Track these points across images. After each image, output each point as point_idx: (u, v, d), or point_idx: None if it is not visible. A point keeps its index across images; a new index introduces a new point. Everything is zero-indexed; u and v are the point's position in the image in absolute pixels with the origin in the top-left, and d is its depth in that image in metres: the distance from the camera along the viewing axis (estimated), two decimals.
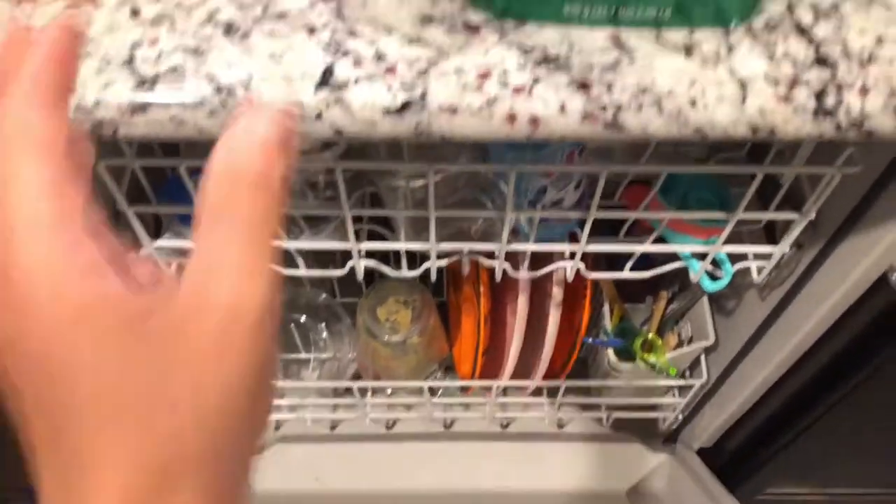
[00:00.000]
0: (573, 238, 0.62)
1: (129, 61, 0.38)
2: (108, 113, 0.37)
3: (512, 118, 0.37)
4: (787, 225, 0.59)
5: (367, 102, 0.37)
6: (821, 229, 0.61)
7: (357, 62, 0.38)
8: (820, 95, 0.37)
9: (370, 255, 0.60)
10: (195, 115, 0.37)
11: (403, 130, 0.38)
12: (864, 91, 0.37)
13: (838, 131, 0.38)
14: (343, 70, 0.37)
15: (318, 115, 0.37)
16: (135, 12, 0.39)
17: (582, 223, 0.59)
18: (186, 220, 0.61)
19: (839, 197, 0.55)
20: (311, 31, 0.39)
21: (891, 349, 0.66)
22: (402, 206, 0.59)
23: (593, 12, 0.38)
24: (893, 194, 0.52)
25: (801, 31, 0.39)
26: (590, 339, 0.83)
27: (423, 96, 0.37)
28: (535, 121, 0.37)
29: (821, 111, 0.37)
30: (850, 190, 0.56)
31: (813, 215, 0.57)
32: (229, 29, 0.39)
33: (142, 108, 0.37)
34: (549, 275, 0.68)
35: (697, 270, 0.63)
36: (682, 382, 0.87)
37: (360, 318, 0.85)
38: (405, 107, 0.37)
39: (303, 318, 0.90)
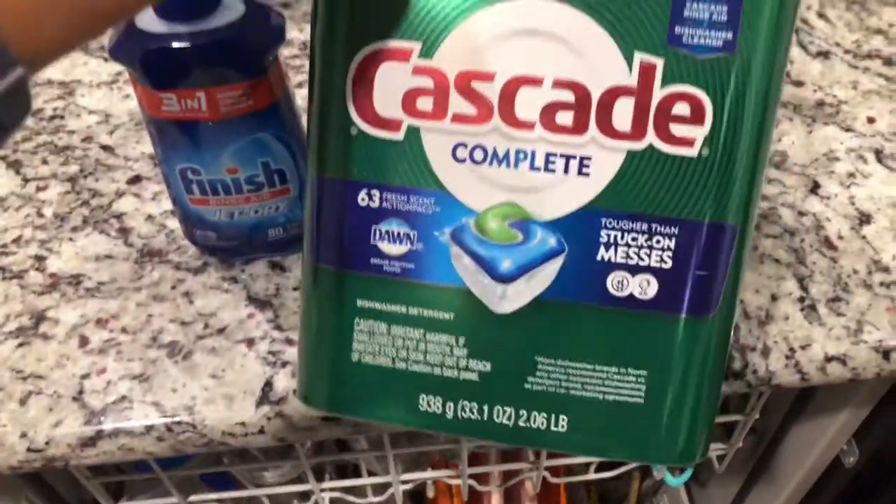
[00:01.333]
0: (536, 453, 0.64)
1: (79, 394, 0.40)
2: (59, 450, 0.38)
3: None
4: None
5: (307, 413, 0.39)
6: (770, 420, 0.63)
7: (295, 373, 0.40)
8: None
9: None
10: (143, 442, 0.39)
11: (341, 433, 0.40)
12: (766, 352, 0.40)
13: (750, 388, 0.40)
14: (282, 382, 0.40)
15: (261, 430, 0.39)
16: (84, 342, 0.42)
17: None
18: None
19: (783, 391, 0.58)
20: (251, 343, 0.41)
21: None
22: (361, 447, 0.61)
23: (455, 413, 0.31)
24: (828, 387, 0.54)
25: None
26: None
27: None
28: None
29: (730, 375, 0.40)
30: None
31: (757, 415, 0.59)
32: (173, 350, 0.41)
33: (91, 441, 0.39)
34: (521, 482, 0.69)
35: (658, 469, 0.64)
36: None
37: None
38: None
39: None
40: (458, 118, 0.28)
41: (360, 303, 0.30)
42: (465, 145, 0.28)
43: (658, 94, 0.27)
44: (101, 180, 0.50)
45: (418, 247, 0.29)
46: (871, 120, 0.52)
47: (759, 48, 0.26)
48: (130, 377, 0.40)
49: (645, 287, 0.29)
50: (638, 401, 0.29)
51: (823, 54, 0.57)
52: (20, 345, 0.42)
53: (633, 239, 0.28)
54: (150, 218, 0.47)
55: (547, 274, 0.29)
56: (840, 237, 0.45)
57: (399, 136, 0.28)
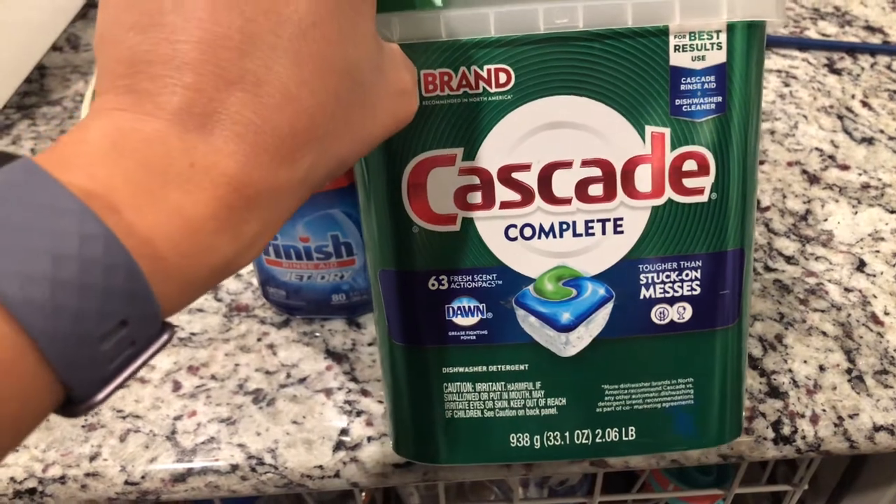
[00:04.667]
0: None
1: (172, 434, 0.43)
2: (153, 485, 0.42)
3: (507, 463, 0.42)
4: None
5: (379, 460, 0.42)
6: (820, 492, 0.64)
7: (369, 422, 0.43)
8: (776, 425, 0.42)
9: None
10: (228, 481, 0.42)
11: (412, 480, 0.43)
12: (815, 419, 0.42)
13: (800, 453, 0.42)
14: (357, 430, 0.43)
15: (337, 474, 0.42)
16: (177, 386, 0.46)
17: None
18: None
19: (831, 463, 0.59)
20: (328, 393, 0.45)
21: None
22: (414, 503, 0.63)
23: (542, 443, 0.36)
24: (877, 459, 0.55)
25: (753, 363, 0.45)
26: None
27: None
28: (527, 463, 0.42)
29: (780, 439, 0.42)
30: (842, 458, 0.59)
31: (806, 486, 0.60)
32: (257, 397, 0.45)
33: (182, 477, 0.42)
34: None
35: None
36: None
37: None
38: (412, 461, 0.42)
39: None
40: (505, 205, 0.32)
41: (444, 370, 0.35)
42: (515, 226, 0.32)
43: (669, 157, 0.31)
44: None
45: (488, 316, 0.34)
46: None
47: (742, 104, 0.31)
48: (218, 420, 0.44)
49: (682, 313, 0.34)
50: (689, 402, 0.35)
51: (868, 140, 0.60)
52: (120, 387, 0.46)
53: (667, 276, 0.33)
54: (238, 276, 0.52)
55: (601, 318, 0.34)
56: (886, 313, 0.47)
57: (456, 227, 0.32)
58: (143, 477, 0.42)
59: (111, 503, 0.42)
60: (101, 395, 0.19)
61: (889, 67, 0.67)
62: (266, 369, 0.46)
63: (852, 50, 0.68)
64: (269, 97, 0.20)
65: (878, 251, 0.51)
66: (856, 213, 0.54)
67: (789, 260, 0.51)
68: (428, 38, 0.30)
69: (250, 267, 0.52)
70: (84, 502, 0.42)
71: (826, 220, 0.54)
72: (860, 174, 0.57)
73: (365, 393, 0.45)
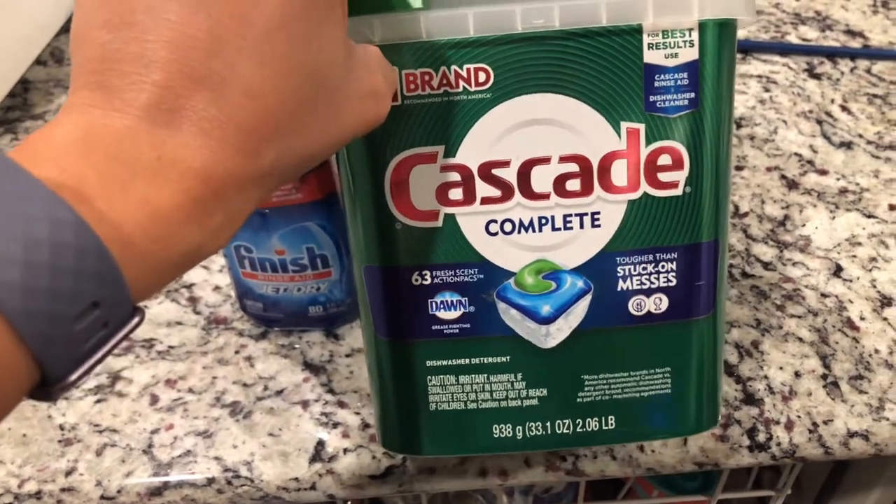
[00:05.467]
0: None
1: (149, 447, 0.43)
2: (129, 499, 0.42)
3: (483, 473, 0.42)
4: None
5: (355, 471, 0.42)
6: (805, 495, 0.64)
7: (345, 434, 0.43)
8: (751, 432, 0.42)
9: None
10: (205, 493, 0.42)
11: (388, 491, 0.43)
12: (790, 425, 0.42)
13: (775, 460, 0.42)
14: (333, 442, 0.43)
15: (313, 486, 0.42)
16: (154, 400, 0.46)
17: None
18: None
19: (815, 469, 0.59)
20: (305, 405, 0.45)
21: None
22: None
23: (524, 434, 0.37)
24: (860, 464, 0.55)
25: (729, 370, 0.45)
26: None
27: (404, 461, 0.42)
28: (503, 473, 0.42)
29: (755, 446, 0.42)
30: (824, 464, 0.59)
31: (789, 490, 0.60)
32: (234, 409, 0.45)
33: (158, 491, 0.42)
34: None
35: None
36: None
37: None
38: (388, 472, 0.42)
39: None
40: (485, 200, 0.33)
41: (429, 363, 0.35)
42: (495, 221, 0.33)
43: (644, 152, 0.32)
44: None
45: (470, 309, 0.35)
46: (892, 207, 0.55)
47: (714, 99, 0.32)
48: (195, 433, 0.44)
49: (658, 304, 0.35)
50: (667, 391, 0.36)
51: (846, 145, 0.60)
52: (98, 401, 0.46)
53: (644, 268, 0.34)
54: (217, 288, 0.52)
55: (580, 310, 0.34)
56: (862, 318, 0.48)
57: (438, 223, 0.33)
58: (118, 491, 0.42)
59: None
60: (74, 376, 0.19)
61: (868, 71, 0.67)
62: (243, 382, 0.46)
63: (832, 54, 0.68)
64: (233, 95, 0.21)
65: (854, 256, 0.52)
66: (833, 217, 0.54)
67: (767, 266, 0.51)
68: (408, 38, 0.30)
69: (227, 279, 0.52)
70: None
71: (804, 225, 0.54)
72: (838, 179, 0.57)
73: (342, 405, 0.45)
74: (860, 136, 0.61)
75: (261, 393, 0.46)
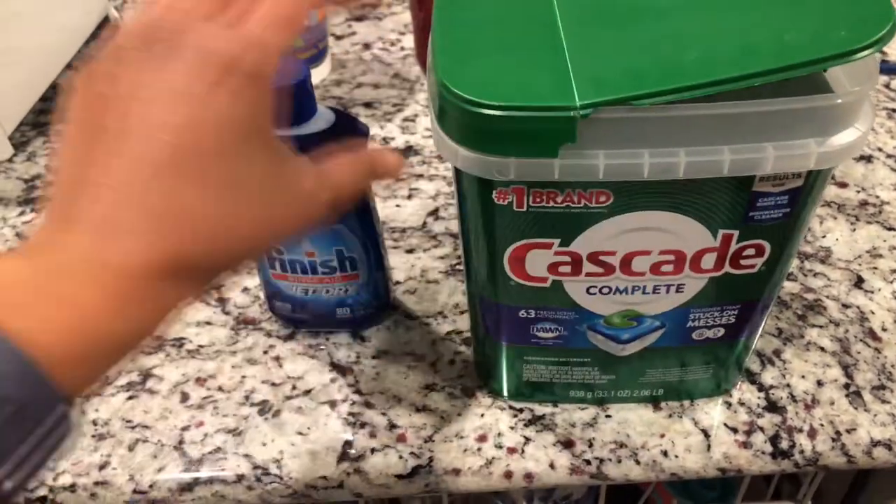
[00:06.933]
0: None
1: (180, 444, 0.44)
2: (161, 493, 0.43)
3: (509, 475, 0.43)
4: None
5: (382, 470, 0.43)
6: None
7: (372, 434, 0.44)
8: (774, 440, 0.43)
9: None
10: (235, 490, 0.43)
11: (415, 490, 0.43)
12: (813, 433, 0.43)
13: (797, 468, 0.43)
14: (361, 441, 0.44)
15: (340, 485, 0.43)
16: (184, 397, 0.46)
17: None
18: None
19: (835, 480, 0.59)
20: (333, 404, 0.46)
21: None
22: None
23: (593, 395, 0.45)
24: (881, 476, 0.56)
25: (752, 378, 0.46)
26: None
27: (431, 461, 0.43)
28: (528, 476, 0.43)
29: (778, 454, 0.42)
30: (845, 475, 0.59)
31: (809, 501, 0.60)
32: (263, 408, 0.46)
33: (189, 487, 0.43)
34: None
35: None
36: None
37: None
38: (415, 472, 0.43)
39: None
40: (590, 274, 0.37)
41: (526, 357, 0.43)
42: (595, 286, 0.38)
43: (734, 247, 0.36)
44: None
45: (565, 333, 0.41)
46: None
47: (807, 211, 0.35)
48: (225, 431, 0.45)
49: (717, 333, 0.41)
50: (707, 376, 0.44)
51: (866, 158, 0.61)
52: (130, 398, 0.47)
53: (710, 315, 0.40)
54: (245, 290, 0.53)
55: (653, 337, 0.41)
56: (884, 329, 0.48)
57: (546, 284, 0.38)
58: (150, 486, 0.43)
59: None
60: (11, 483, 0.21)
61: (887, 86, 0.68)
62: (272, 381, 0.47)
63: None
64: (171, 219, 0.24)
65: (875, 268, 0.52)
66: (854, 229, 0.55)
67: (788, 276, 0.52)
68: (540, 178, 0.32)
69: (256, 281, 0.53)
70: None
71: (825, 236, 0.55)
72: (858, 191, 0.58)
73: (369, 405, 0.45)
74: (880, 149, 0.61)
75: (289, 392, 0.46)
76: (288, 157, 0.28)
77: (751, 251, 0.36)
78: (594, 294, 0.38)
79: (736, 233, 0.35)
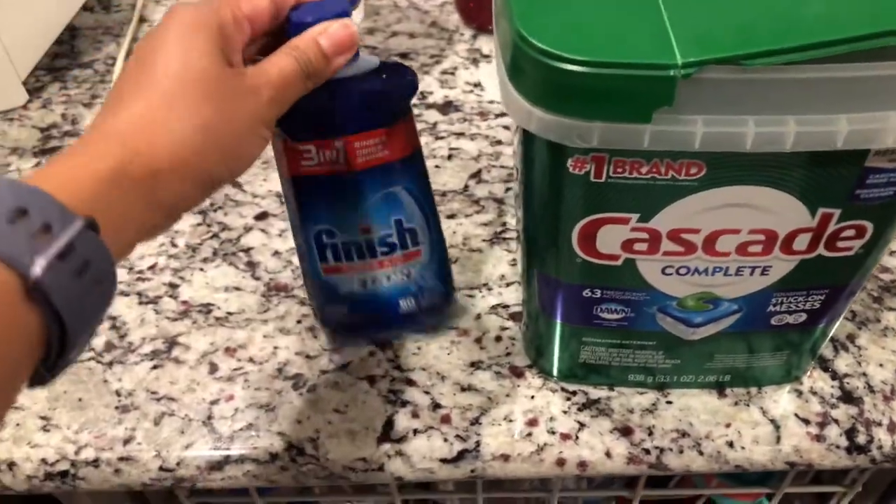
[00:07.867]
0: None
1: (209, 419, 0.41)
2: (189, 472, 0.40)
3: (561, 462, 0.40)
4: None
5: (426, 454, 0.40)
6: (869, 493, 0.61)
7: (415, 413, 0.41)
8: (850, 433, 0.40)
9: None
10: (268, 470, 0.40)
11: (459, 475, 0.40)
12: (893, 427, 0.40)
13: (874, 463, 0.40)
14: (402, 421, 0.41)
15: (381, 467, 0.40)
16: (213, 368, 0.44)
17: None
18: None
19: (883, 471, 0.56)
20: (372, 380, 0.43)
21: None
22: (446, 488, 0.61)
23: (654, 380, 0.42)
24: None
25: (824, 365, 0.42)
26: None
27: (478, 445, 0.40)
28: (582, 464, 0.40)
29: (854, 448, 0.39)
30: None
31: (860, 487, 0.58)
32: (298, 382, 0.43)
33: (219, 465, 0.40)
34: None
35: None
36: None
37: None
38: (461, 456, 0.40)
39: None
40: (668, 253, 0.34)
41: (584, 339, 0.40)
42: (672, 266, 0.35)
43: (832, 227, 0.32)
44: (229, 215, 0.53)
45: (631, 315, 0.38)
46: None
47: None
48: (257, 406, 0.42)
49: (798, 319, 0.37)
50: (779, 363, 0.41)
51: None
52: (154, 367, 0.44)
53: (794, 300, 0.36)
54: (276, 254, 0.50)
55: (728, 321, 0.38)
56: None
57: (618, 263, 0.34)
58: (178, 463, 0.40)
59: (145, 489, 0.41)
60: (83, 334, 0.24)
61: None
62: (306, 353, 0.44)
63: None
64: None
65: None
66: None
67: None
68: (627, 147, 0.28)
69: (287, 244, 0.50)
70: (116, 486, 0.41)
71: None
72: None
73: (410, 382, 0.42)
74: None
75: (325, 366, 0.43)
76: (239, 70, 0.31)
77: (850, 232, 0.32)
78: (670, 275, 0.35)
79: (837, 212, 0.31)
